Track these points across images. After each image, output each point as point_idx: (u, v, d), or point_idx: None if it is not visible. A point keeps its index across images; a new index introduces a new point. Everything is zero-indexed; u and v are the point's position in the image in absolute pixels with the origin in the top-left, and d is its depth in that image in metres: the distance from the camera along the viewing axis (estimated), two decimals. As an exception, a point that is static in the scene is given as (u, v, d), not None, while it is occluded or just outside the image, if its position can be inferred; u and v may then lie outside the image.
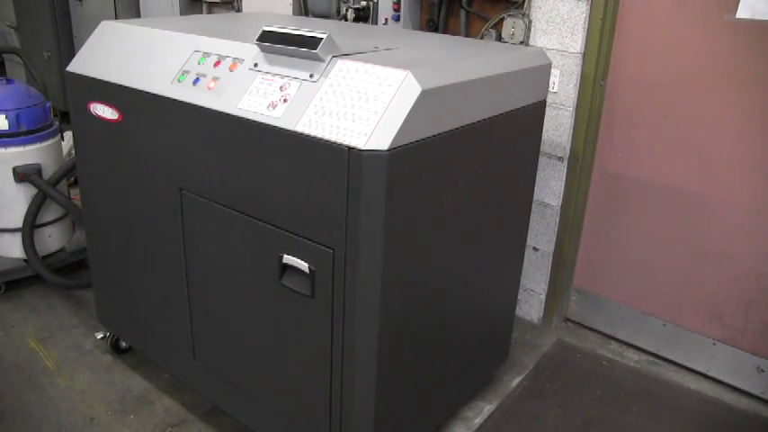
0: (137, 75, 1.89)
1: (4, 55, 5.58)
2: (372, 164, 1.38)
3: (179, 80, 1.78)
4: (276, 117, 1.52)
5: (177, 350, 2.10)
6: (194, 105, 1.70)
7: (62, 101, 4.46)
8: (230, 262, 1.79)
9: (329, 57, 1.53)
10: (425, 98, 1.43)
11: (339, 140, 1.40)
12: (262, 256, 1.67)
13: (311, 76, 1.53)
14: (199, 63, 1.77)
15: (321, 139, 1.43)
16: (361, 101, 1.43)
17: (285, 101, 1.54)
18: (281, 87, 1.56)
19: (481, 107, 1.70)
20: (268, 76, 1.61)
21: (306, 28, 1.58)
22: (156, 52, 1.89)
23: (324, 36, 1.52)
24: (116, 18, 4.14)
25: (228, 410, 2.04)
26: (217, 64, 1.73)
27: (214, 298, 1.89)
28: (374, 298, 1.52)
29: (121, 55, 1.97)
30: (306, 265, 1.56)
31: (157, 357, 2.27)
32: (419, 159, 1.50)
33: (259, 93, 1.59)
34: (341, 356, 1.60)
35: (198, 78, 1.74)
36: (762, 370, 2.39)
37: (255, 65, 1.65)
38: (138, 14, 4.11)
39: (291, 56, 1.59)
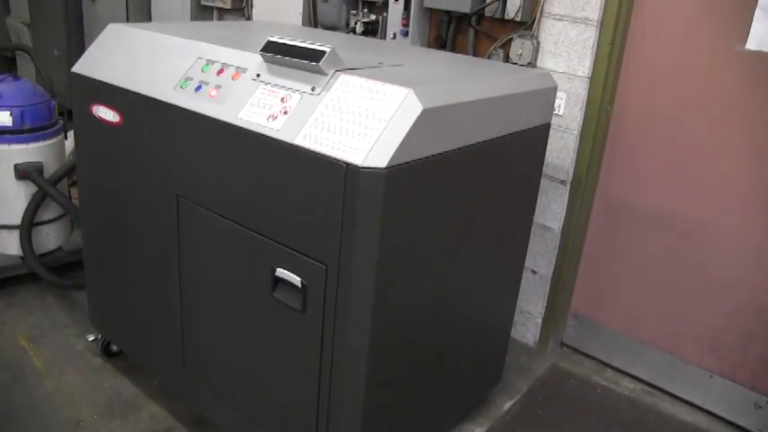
0: (140, 79, 1.88)
1: (15, 51, 5.61)
2: (369, 181, 1.36)
3: (181, 86, 1.77)
4: (275, 129, 1.51)
5: (167, 357, 2.08)
6: (195, 113, 1.69)
7: (70, 100, 4.46)
8: (224, 271, 1.77)
9: (332, 70, 1.52)
10: (426, 117, 1.42)
11: (337, 156, 1.39)
12: (255, 267, 1.65)
13: (313, 89, 1.52)
14: (202, 70, 1.77)
15: (319, 154, 1.42)
16: (361, 117, 1.42)
17: (285, 113, 1.52)
18: (282, 99, 1.55)
19: (484, 128, 1.69)
20: (270, 87, 1.60)
21: (311, 40, 1.57)
22: (161, 57, 1.89)
23: (327, 49, 1.51)
24: (127, 20, 4.15)
25: (215, 420, 2.02)
26: (220, 72, 1.73)
27: (206, 306, 1.87)
28: (365, 316, 1.50)
29: (126, 58, 1.96)
30: (298, 279, 1.54)
31: (147, 363, 2.25)
32: (418, 178, 1.49)
33: (260, 103, 1.58)
34: (329, 373, 1.58)
35: (200, 86, 1.73)
36: (759, 406, 2.35)
37: (258, 75, 1.64)
38: (149, 17, 4.13)
39: (294, 68, 1.58)
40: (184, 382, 2.06)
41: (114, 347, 2.47)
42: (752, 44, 2.11)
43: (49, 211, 2.89)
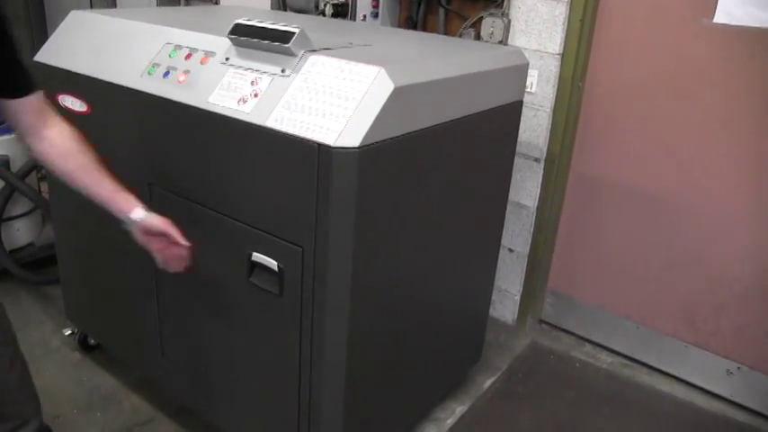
0: (106, 66, 1.84)
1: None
2: (342, 161, 1.35)
3: (149, 73, 1.74)
4: (246, 112, 1.49)
5: (145, 347, 2.06)
6: (164, 99, 1.66)
7: (36, 92, 4.36)
8: (200, 259, 1.75)
9: (302, 52, 1.51)
10: (398, 95, 1.41)
11: (309, 137, 1.38)
12: (231, 253, 1.64)
13: (283, 70, 1.50)
14: (170, 56, 1.73)
15: (291, 136, 1.40)
16: (332, 97, 1.41)
17: (256, 96, 1.51)
18: (252, 82, 1.53)
19: (456, 106, 1.68)
20: (239, 71, 1.57)
21: (281, 22, 1.55)
22: (127, 44, 1.85)
23: (296, 30, 1.49)
24: (91, 7, 4.06)
25: (197, 409, 2.01)
26: (188, 57, 1.70)
27: (183, 295, 1.86)
28: (343, 297, 1.49)
29: (91, 46, 1.92)
30: (274, 263, 1.53)
31: (125, 355, 2.23)
32: (391, 157, 1.48)
33: (230, 87, 1.56)
34: (309, 356, 1.57)
35: (168, 71, 1.70)
36: (731, 373, 2.40)
37: (227, 59, 1.62)
38: (114, 4, 4.04)
39: (264, 50, 1.55)
40: (164, 372, 2.05)
41: (92, 341, 2.44)
42: (720, 17, 2.13)
43: (20, 206, 2.83)
